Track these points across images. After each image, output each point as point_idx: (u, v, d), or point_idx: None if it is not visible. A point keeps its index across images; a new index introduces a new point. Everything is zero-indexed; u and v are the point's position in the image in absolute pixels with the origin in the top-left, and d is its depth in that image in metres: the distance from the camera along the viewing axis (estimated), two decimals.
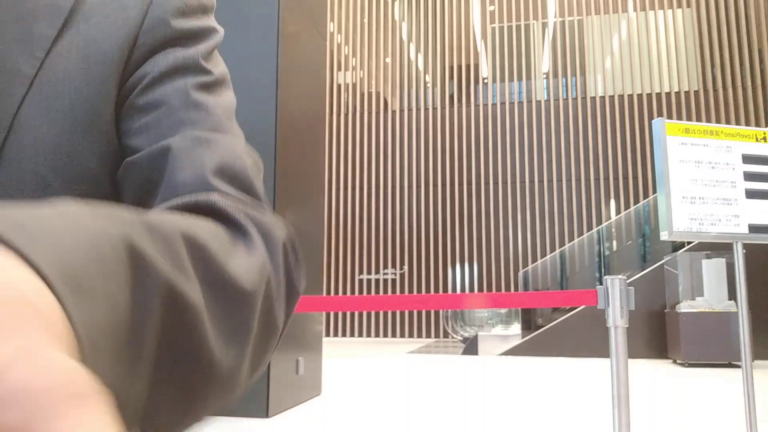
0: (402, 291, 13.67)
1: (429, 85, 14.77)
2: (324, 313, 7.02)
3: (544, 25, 14.58)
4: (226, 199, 0.43)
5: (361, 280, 13.88)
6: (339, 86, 14.70)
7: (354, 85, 14.80)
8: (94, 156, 0.48)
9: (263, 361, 0.40)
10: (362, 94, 14.68)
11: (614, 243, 11.56)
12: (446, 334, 13.14)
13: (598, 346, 8.75)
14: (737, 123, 13.07)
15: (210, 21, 0.57)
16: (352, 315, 13.67)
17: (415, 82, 14.78)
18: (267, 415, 4.32)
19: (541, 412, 4.73)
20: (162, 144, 0.47)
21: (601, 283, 2.42)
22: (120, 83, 0.50)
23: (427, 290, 13.65)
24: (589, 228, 12.97)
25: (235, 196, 0.45)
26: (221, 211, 0.41)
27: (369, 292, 13.77)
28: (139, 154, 0.47)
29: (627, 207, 12.81)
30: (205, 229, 0.37)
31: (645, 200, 11.60)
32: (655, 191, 12.09)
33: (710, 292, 8.15)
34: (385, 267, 13.84)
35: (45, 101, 0.46)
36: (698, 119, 13.17)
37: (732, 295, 8.06)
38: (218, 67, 0.55)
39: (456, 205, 13.80)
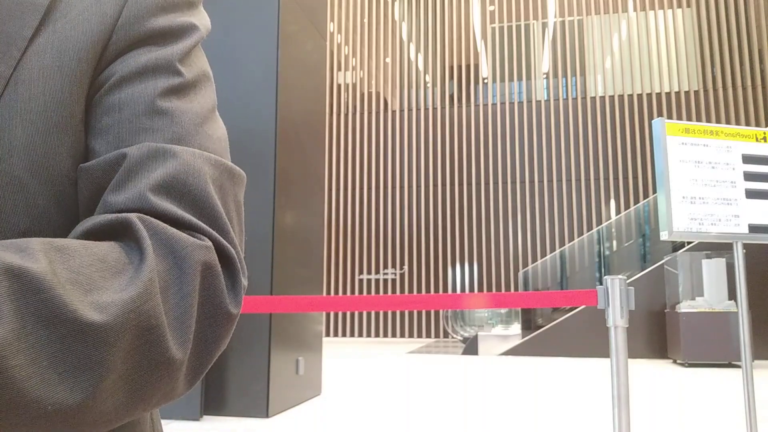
0: (402, 291, 13.67)
1: (429, 85, 14.77)
2: (324, 313, 7.02)
3: (544, 25, 14.58)
4: (144, 221, 0.42)
5: (361, 280, 13.87)
6: (339, 86, 14.70)
7: (354, 85, 14.80)
8: (69, 156, 0.47)
9: (152, 393, 0.39)
10: (362, 94, 14.68)
11: (614, 243, 11.56)
12: (446, 334, 13.14)
13: (598, 346, 8.75)
14: (737, 123, 13.07)
15: (193, 17, 0.54)
16: (352, 315, 13.67)
17: (415, 82, 14.78)
18: (267, 415, 4.32)
19: (541, 412, 4.73)
20: (116, 153, 0.46)
21: (601, 283, 2.42)
22: (91, 81, 0.49)
23: (427, 290, 13.64)
24: (589, 228, 12.97)
25: (173, 215, 0.44)
26: (131, 235, 0.41)
27: (369, 292, 13.77)
28: (93, 161, 0.47)
29: (627, 207, 12.81)
30: (74, 259, 0.36)
31: (645, 200, 11.60)
32: (655, 191, 12.09)
33: (710, 292, 8.15)
34: (385, 267, 13.83)
35: (20, 102, 0.46)
36: (698, 119, 13.17)
37: (732, 295, 8.07)
38: (194, 67, 0.52)
39: (456, 205, 13.80)
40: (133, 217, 0.42)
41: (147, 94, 0.48)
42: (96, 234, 0.42)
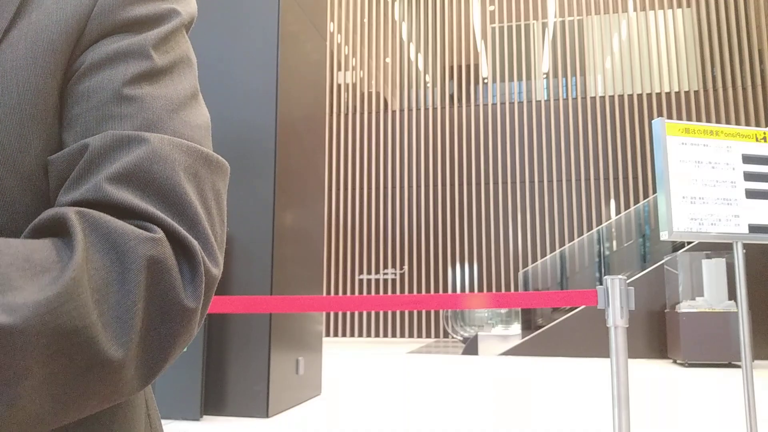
0: (402, 291, 13.67)
1: (429, 85, 14.77)
2: (324, 313, 7.02)
3: (544, 25, 14.58)
4: (84, 216, 0.39)
5: (361, 280, 13.87)
6: (339, 86, 14.70)
7: (354, 85, 14.80)
8: (45, 150, 0.45)
9: (86, 396, 0.37)
10: (362, 94, 14.68)
11: (614, 243, 11.56)
12: (446, 334, 13.14)
13: (598, 346, 8.75)
14: (737, 123, 13.07)
15: (176, 3, 0.52)
16: (352, 315, 13.67)
17: (415, 82, 14.78)
18: (267, 415, 4.32)
19: (541, 412, 4.73)
20: (79, 144, 0.44)
21: (601, 283, 2.42)
22: (65, 71, 0.47)
23: (427, 290, 13.64)
24: (589, 228, 12.97)
25: (127, 205, 0.42)
26: (65, 231, 0.39)
27: (369, 292, 13.77)
28: (59, 153, 0.45)
29: (627, 207, 12.81)
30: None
31: (645, 200, 11.60)
32: (655, 191, 12.09)
33: (710, 292, 8.15)
34: (385, 267, 13.83)
35: None
36: (698, 119, 13.17)
37: (732, 295, 8.06)
38: (172, 53, 0.50)
39: (456, 205, 13.80)
40: (71, 211, 0.39)
41: (115, 81, 0.46)
42: (36, 232, 0.40)
